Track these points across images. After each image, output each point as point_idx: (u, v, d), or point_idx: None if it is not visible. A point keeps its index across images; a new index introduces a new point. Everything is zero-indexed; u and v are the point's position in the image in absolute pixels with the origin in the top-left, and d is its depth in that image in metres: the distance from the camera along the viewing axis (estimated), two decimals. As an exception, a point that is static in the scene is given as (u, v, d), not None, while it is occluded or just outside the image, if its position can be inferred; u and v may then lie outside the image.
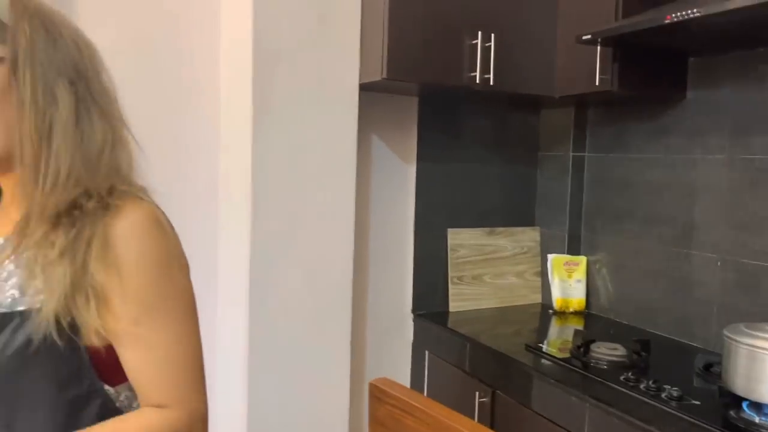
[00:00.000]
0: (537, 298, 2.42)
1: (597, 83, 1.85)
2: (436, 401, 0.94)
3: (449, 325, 2.12)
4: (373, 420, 1.00)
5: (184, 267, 0.86)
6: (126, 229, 0.79)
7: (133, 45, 1.79)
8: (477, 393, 1.88)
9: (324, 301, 1.89)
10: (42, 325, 0.76)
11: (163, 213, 0.86)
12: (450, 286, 2.26)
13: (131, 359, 0.82)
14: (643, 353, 1.76)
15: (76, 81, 0.82)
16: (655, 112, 2.06)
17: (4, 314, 0.78)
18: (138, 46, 1.80)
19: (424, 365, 2.19)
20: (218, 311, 1.95)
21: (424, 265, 2.25)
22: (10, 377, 0.77)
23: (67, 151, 0.79)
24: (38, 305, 0.77)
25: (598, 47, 1.82)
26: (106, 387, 0.83)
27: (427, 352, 2.19)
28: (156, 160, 1.79)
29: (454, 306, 2.27)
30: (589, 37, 1.72)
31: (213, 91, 1.90)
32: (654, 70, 1.91)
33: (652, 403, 1.46)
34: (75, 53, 0.84)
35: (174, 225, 0.88)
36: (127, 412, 0.85)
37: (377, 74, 1.81)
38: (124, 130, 0.88)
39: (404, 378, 2.27)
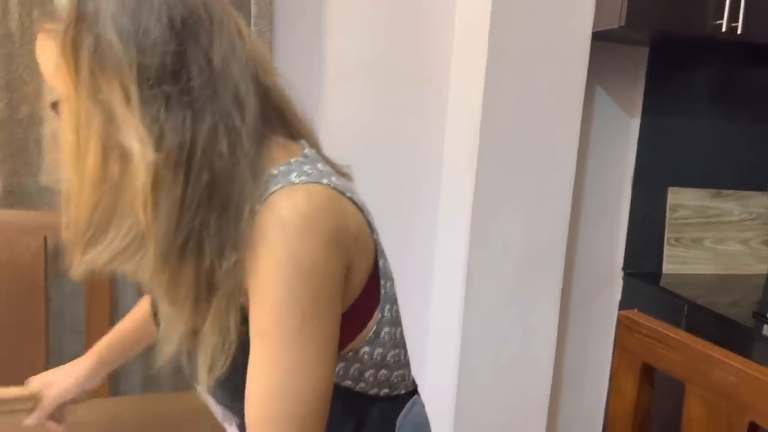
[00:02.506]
0: (762, 268, 2.25)
1: None
2: (689, 333, 0.95)
3: (663, 286, 2.06)
4: (621, 348, 1.03)
5: (334, 277, 0.70)
6: (267, 230, 0.67)
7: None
8: (694, 355, 1.83)
9: (539, 248, 1.93)
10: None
11: (323, 193, 0.70)
12: (666, 247, 2.18)
13: (248, 377, 0.71)
14: None
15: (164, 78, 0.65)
16: None
17: None
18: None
19: (632, 324, 2.15)
20: (436, 251, 2.07)
21: (639, 223, 2.19)
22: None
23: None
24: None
25: None
26: None
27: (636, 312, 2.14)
28: (386, 100, 1.94)
29: (668, 268, 2.19)
30: None
31: (447, 32, 1.97)
32: None
33: None
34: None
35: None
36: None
37: (614, 22, 1.77)
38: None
39: (609, 334, 2.26)
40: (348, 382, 0.82)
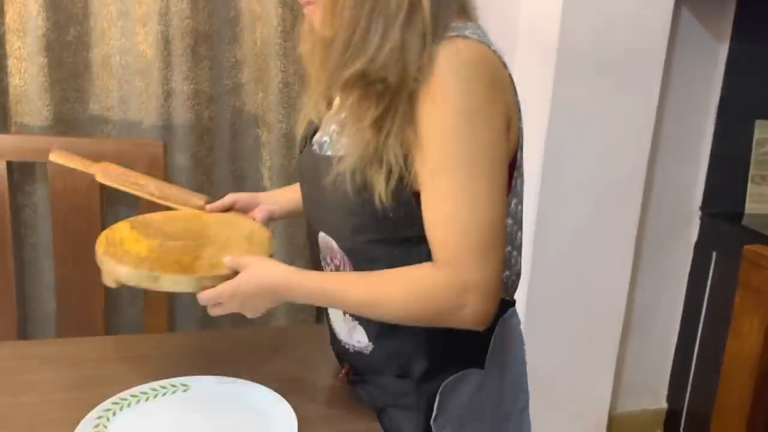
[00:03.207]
0: None
1: None
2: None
3: (746, 225, 1.92)
4: (746, 286, 0.92)
5: (497, 122, 0.78)
6: (442, 64, 0.76)
7: None
8: (784, 300, 1.70)
9: (615, 185, 1.80)
10: (340, 175, 0.81)
11: (492, 54, 0.79)
12: (750, 185, 2.02)
13: (425, 209, 0.80)
14: None
15: None
16: None
17: (330, 157, 0.85)
18: None
19: (709, 267, 2.03)
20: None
21: (721, 159, 2.02)
22: (345, 217, 0.84)
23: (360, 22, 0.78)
24: (341, 157, 0.83)
25: None
26: None
27: (714, 254, 2.01)
28: None
29: (751, 207, 2.03)
30: None
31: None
32: None
33: None
34: None
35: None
36: None
37: (714, -71, 1.58)
38: None
39: (682, 278, 2.13)
40: None
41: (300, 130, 0.98)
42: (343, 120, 0.84)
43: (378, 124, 0.78)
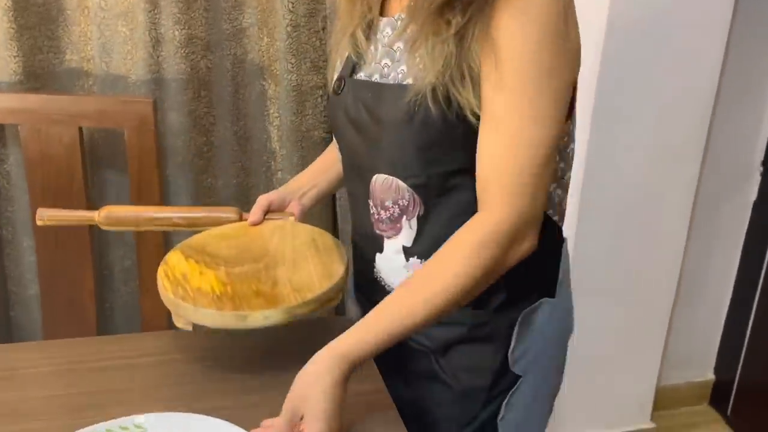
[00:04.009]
0: None
1: None
2: None
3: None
4: None
5: (572, 46, 0.79)
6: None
7: None
8: None
9: (672, 144, 1.60)
10: (419, 95, 0.78)
11: None
12: (820, 135, 1.80)
13: (482, 135, 0.79)
14: None
15: None
16: None
17: (395, 86, 0.82)
18: None
19: (771, 228, 1.83)
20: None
21: (788, 107, 1.80)
22: (416, 150, 0.81)
23: None
24: (419, 76, 0.79)
25: None
26: None
27: None
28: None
29: (819, 162, 1.82)
30: None
31: None
32: None
33: None
34: None
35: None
36: None
37: None
38: None
39: (737, 239, 1.93)
40: None
41: (332, 71, 0.93)
42: (405, 45, 0.81)
43: (461, 33, 0.77)
